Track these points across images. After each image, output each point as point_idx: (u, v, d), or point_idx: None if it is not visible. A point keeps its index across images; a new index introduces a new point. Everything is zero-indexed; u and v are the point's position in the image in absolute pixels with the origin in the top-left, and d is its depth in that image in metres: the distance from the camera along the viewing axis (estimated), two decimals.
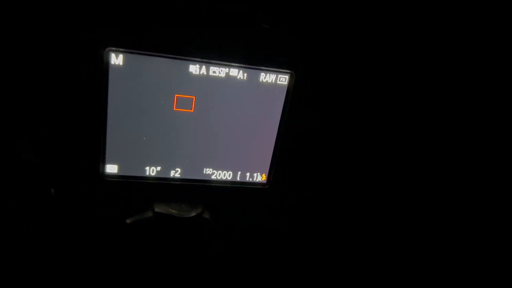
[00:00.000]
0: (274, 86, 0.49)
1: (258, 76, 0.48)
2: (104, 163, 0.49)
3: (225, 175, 0.53)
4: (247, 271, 0.60)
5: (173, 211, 0.51)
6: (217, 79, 0.47)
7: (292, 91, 0.49)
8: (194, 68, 0.46)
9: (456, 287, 0.63)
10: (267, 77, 0.48)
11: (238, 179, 0.54)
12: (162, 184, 0.51)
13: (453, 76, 0.54)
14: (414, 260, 0.64)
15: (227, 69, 0.47)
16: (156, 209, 0.50)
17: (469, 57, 0.53)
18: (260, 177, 0.55)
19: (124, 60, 0.44)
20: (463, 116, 0.57)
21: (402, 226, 0.63)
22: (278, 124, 0.52)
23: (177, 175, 0.52)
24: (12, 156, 0.41)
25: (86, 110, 0.45)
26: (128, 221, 0.50)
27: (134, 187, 0.50)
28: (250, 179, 0.55)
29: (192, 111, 0.48)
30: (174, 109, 0.48)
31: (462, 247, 0.63)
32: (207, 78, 0.47)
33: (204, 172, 0.53)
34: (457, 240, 0.63)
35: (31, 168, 0.42)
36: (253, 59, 0.47)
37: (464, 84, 0.55)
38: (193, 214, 0.51)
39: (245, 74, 0.48)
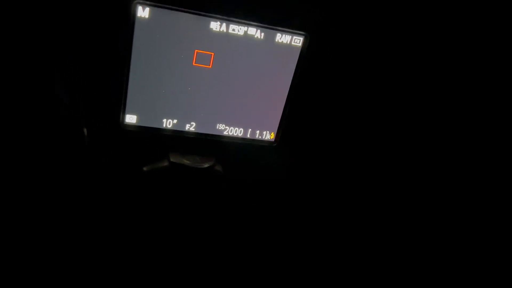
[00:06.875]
0: (288, 47, 0.52)
1: (274, 37, 0.51)
2: (124, 113, 0.52)
3: (236, 132, 0.57)
4: (251, 224, 0.63)
5: (187, 161, 0.54)
6: (235, 37, 0.50)
7: (305, 53, 0.52)
8: (214, 25, 0.49)
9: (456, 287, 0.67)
10: (282, 38, 0.51)
11: (248, 136, 0.57)
12: (177, 137, 0.54)
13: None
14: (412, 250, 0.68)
15: (246, 27, 0.49)
16: (172, 159, 0.54)
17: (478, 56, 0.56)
18: (269, 135, 0.58)
19: (150, 13, 0.46)
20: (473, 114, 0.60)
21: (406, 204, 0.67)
22: (289, 85, 0.55)
23: (192, 128, 0.55)
24: (48, 96, 0.43)
25: (111, 60, 0.48)
26: (145, 169, 0.53)
27: (151, 137, 0.53)
28: (260, 137, 0.58)
29: (210, 67, 0.51)
30: (194, 64, 0.50)
31: (462, 247, 0.66)
32: (226, 35, 0.49)
33: (217, 128, 0.56)
34: (457, 240, 0.66)
35: (65, 109, 0.45)
36: (271, 19, 0.49)
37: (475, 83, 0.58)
38: (205, 165, 0.54)
39: (262, 34, 0.50)
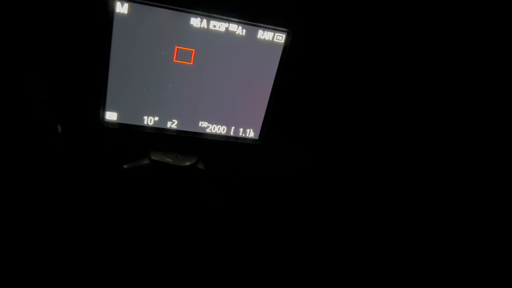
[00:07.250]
0: (271, 44, 0.51)
1: (256, 33, 0.50)
2: (104, 110, 0.51)
3: (219, 129, 0.56)
4: (236, 221, 0.63)
5: (169, 159, 0.53)
6: (217, 33, 0.49)
7: (288, 50, 0.52)
8: (195, 21, 0.48)
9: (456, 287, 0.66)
10: (264, 35, 0.51)
11: (231, 133, 0.57)
12: (159, 134, 0.54)
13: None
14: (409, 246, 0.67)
15: (227, 24, 0.49)
16: (153, 157, 0.53)
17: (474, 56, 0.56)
18: (252, 133, 0.58)
19: (129, 9, 0.46)
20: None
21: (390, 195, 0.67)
22: (272, 82, 0.54)
23: (174, 126, 0.54)
24: (21, 91, 0.43)
25: (90, 57, 0.47)
26: (125, 166, 0.53)
27: (132, 135, 0.53)
28: (243, 135, 0.57)
29: (191, 63, 0.50)
30: (174, 60, 0.50)
31: (462, 247, 0.66)
32: (207, 31, 0.49)
33: (199, 125, 0.55)
34: (457, 240, 0.66)
35: (39, 105, 0.44)
36: (252, 15, 0.49)
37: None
38: (187, 163, 0.54)
39: (244, 30, 0.50)
